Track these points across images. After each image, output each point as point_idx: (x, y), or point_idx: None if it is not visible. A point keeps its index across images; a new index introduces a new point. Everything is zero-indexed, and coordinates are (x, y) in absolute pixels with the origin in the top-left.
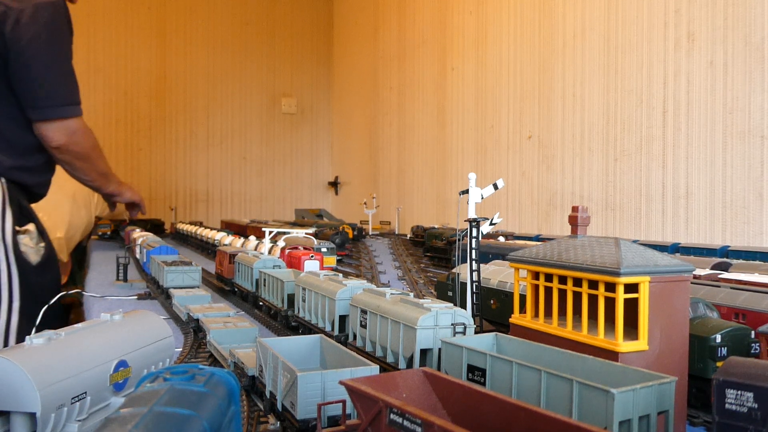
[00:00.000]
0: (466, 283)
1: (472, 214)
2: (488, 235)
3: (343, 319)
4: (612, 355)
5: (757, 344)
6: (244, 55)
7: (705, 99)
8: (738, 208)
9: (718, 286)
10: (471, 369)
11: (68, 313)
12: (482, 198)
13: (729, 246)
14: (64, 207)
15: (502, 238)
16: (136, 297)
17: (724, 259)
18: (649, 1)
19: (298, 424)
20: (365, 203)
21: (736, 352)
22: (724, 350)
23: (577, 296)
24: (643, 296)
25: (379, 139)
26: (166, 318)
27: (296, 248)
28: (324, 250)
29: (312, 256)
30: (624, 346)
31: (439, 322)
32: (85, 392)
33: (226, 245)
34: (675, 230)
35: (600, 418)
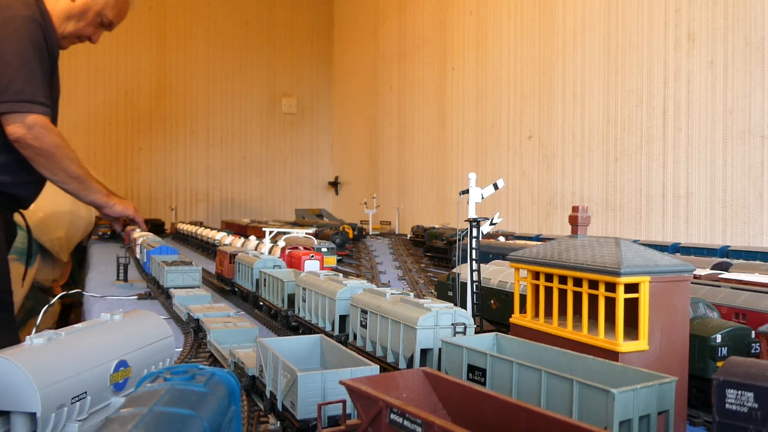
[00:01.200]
0: (466, 283)
1: (472, 214)
2: (488, 235)
3: (343, 319)
4: (612, 355)
5: (758, 344)
6: (244, 55)
7: (705, 99)
8: (738, 208)
9: (719, 286)
10: (471, 369)
11: (68, 313)
12: (482, 198)
13: (729, 246)
14: (64, 207)
15: (502, 238)
16: (136, 297)
17: (725, 259)
18: (649, 1)
19: (298, 424)
20: (365, 203)
21: (737, 352)
22: (725, 350)
23: (578, 296)
24: (644, 296)
25: (379, 139)
26: (167, 318)
27: (296, 248)
28: (324, 250)
29: (312, 256)
30: (624, 346)
31: (439, 322)
32: (86, 392)
33: (226, 245)
34: (675, 230)
35: (600, 418)
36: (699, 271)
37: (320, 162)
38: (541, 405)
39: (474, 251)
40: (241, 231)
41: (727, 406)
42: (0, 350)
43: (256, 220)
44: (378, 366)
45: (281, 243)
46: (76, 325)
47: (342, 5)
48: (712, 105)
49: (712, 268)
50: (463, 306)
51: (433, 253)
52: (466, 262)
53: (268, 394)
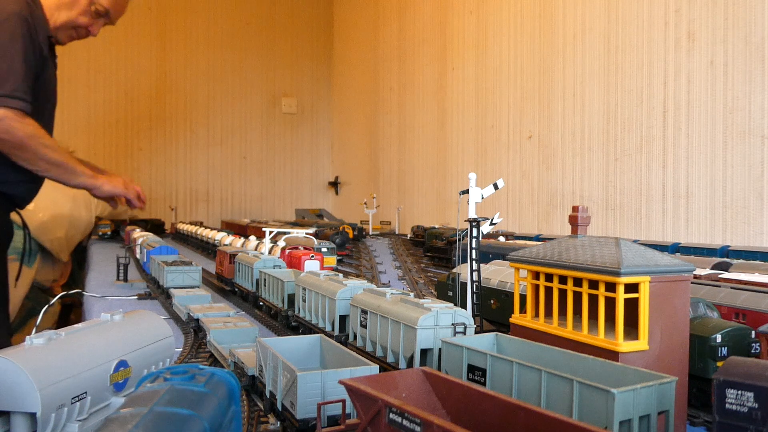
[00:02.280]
0: (466, 283)
1: (472, 214)
2: (488, 235)
3: (343, 319)
4: (612, 355)
5: (758, 344)
6: (244, 55)
7: (705, 99)
8: (738, 208)
9: (719, 286)
10: (471, 369)
11: (68, 313)
12: (482, 198)
13: (729, 246)
14: (64, 207)
15: (502, 238)
16: (136, 297)
17: (725, 259)
18: (649, 1)
19: (297, 424)
20: (365, 203)
21: (737, 352)
22: (725, 350)
23: (578, 296)
24: (644, 296)
25: (379, 139)
26: (166, 318)
27: (296, 248)
28: (324, 250)
29: (312, 256)
30: (624, 346)
31: (439, 322)
32: (86, 392)
33: (226, 245)
34: (675, 230)
35: (600, 418)
36: (699, 271)
37: (320, 162)
38: (541, 405)
39: (474, 251)
40: (241, 231)
41: (727, 406)
42: (0, 350)
43: (256, 220)
44: (377, 366)
45: (281, 243)
46: (76, 325)
47: (342, 5)
48: (712, 105)
49: (712, 268)
50: (463, 306)
51: (433, 253)
52: (466, 262)
53: (267, 394)
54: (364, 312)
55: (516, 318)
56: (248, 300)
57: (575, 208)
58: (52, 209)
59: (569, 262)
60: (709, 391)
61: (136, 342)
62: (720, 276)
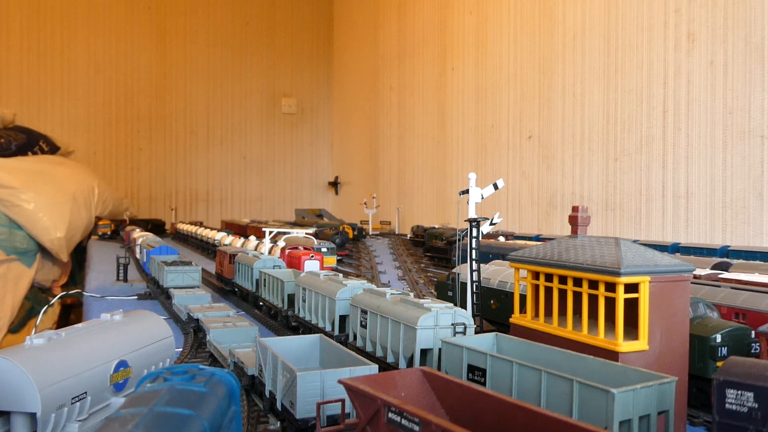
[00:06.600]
0: (466, 283)
1: (472, 214)
2: (488, 235)
3: (343, 319)
4: (612, 355)
5: (757, 344)
6: (244, 54)
7: (705, 99)
8: (738, 208)
9: (719, 286)
10: (471, 369)
11: (68, 313)
12: (482, 198)
13: (729, 246)
14: (65, 207)
15: (502, 238)
16: (136, 297)
17: (724, 259)
18: (649, 1)
19: (297, 423)
20: (365, 203)
21: (737, 352)
22: (725, 350)
23: (578, 296)
24: (644, 296)
25: (379, 139)
26: (166, 318)
27: (296, 248)
28: (324, 250)
29: (312, 256)
30: (624, 346)
31: (439, 322)
32: (86, 392)
33: (226, 245)
34: (675, 230)
35: (600, 417)
36: (699, 271)
37: (320, 162)
38: (541, 405)
39: (474, 251)
40: (241, 231)
41: (727, 406)
42: (0, 350)
43: (256, 220)
44: (377, 365)
45: (281, 243)
46: (76, 325)
47: (342, 5)
48: (712, 105)
49: (712, 268)
50: (463, 306)
51: (433, 253)
52: (466, 262)
53: (267, 394)
54: (364, 312)
55: (516, 318)
56: (248, 300)
57: (575, 208)
58: (52, 209)
59: (569, 262)
60: (709, 391)
61: (136, 342)
62: (720, 276)
